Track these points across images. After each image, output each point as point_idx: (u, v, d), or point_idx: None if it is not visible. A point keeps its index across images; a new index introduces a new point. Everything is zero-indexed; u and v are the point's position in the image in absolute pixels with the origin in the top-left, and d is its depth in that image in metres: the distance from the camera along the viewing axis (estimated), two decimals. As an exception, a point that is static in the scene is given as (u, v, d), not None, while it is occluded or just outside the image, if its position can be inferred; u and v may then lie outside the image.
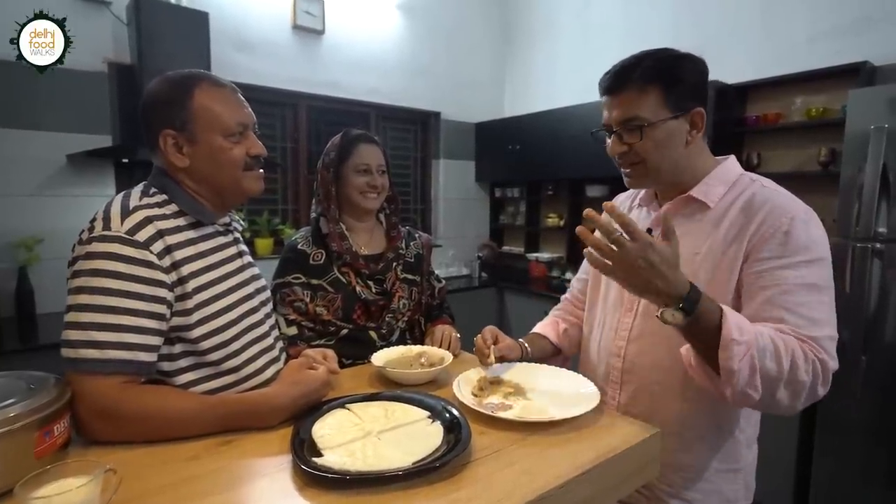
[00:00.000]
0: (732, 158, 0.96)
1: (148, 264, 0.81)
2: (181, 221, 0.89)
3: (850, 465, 1.97)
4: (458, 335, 1.30)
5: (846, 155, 1.98)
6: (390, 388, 0.99)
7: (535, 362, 1.08)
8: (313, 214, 1.38)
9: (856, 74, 2.27)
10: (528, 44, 4.02)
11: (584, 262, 1.17)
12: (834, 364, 0.78)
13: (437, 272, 1.52)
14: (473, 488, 0.65)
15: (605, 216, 0.72)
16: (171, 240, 0.85)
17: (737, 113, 2.72)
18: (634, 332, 0.97)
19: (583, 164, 3.15)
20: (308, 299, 1.26)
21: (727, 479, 0.94)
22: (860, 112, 1.93)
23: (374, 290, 1.31)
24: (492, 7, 4.09)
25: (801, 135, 2.56)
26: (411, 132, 3.93)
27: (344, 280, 1.29)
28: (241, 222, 1.08)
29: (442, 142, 3.93)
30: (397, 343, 1.27)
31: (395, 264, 1.36)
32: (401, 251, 1.38)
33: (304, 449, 0.71)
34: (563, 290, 1.30)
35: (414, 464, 0.67)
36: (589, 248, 0.72)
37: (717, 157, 0.97)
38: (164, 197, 0.90)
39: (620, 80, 0.89)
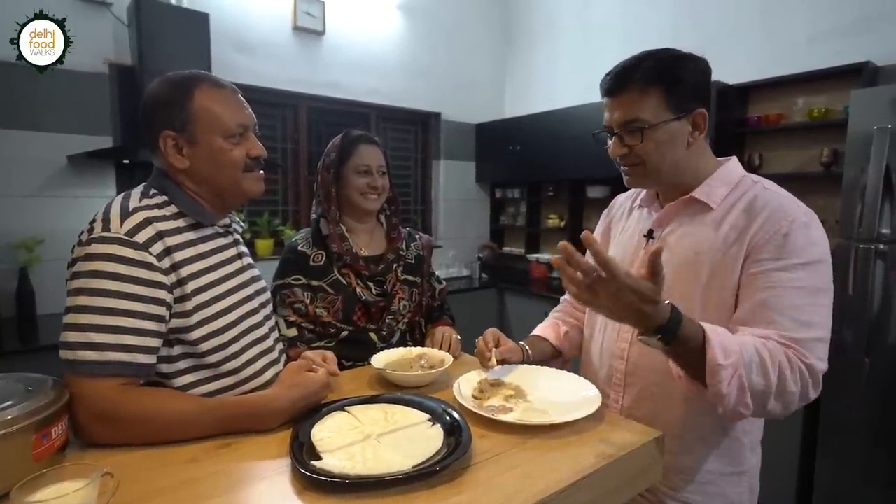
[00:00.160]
0: (734, 160, 0.96)
1: (147, 266, 0.81)
2: (181, 223, 0.89)
3: (853, 466, 1.96)
4: (459, 337, 1.29)
5: (849, 156, 1.97)
6: (390, 391, 0.99)
7: (536, 364, 1.08)
8: (313, 215, 1.37)
9: (858, 75, 2.26)
10: (529, 44, 4.01)
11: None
12: (822, 366, 0.78)
13: (437, 273, 1.52)
14: (474, 492, 0.65)
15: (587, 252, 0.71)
16: (171, 241, 0.85)
17: (738, 113, 2.71)
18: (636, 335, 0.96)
19: (583, 164, 3.15)
20: (308, 301, 1.26)
21: (731, 483, 0.94)
22: (863, 112, 1.93)
23: (374, 291, 1.31)
24: (492, 7, 4.08)
25: (802, 135, 2.55)
26: (412, 133, 3.93)
27: (344, 281, 1.28)
28: (242, 223, 1.07)
29: (442, 142, 3.93)
30: (397, 345, 1.27)
31: (395, 266, 1.35)
32: (401, 252, 1.38)
33: (303, 452, 0.71)
34: (564, 292, 1.29)
35: (414, 467, 0.67)
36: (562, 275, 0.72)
37: (718, 158, 0.96)
38: (164, 198, 0.89)
39: (621, 81, 0.88)
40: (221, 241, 0.96)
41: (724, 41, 2.82)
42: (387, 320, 1.29)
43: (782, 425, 2.02)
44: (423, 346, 1.29)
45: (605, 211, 1.17)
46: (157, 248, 0.82)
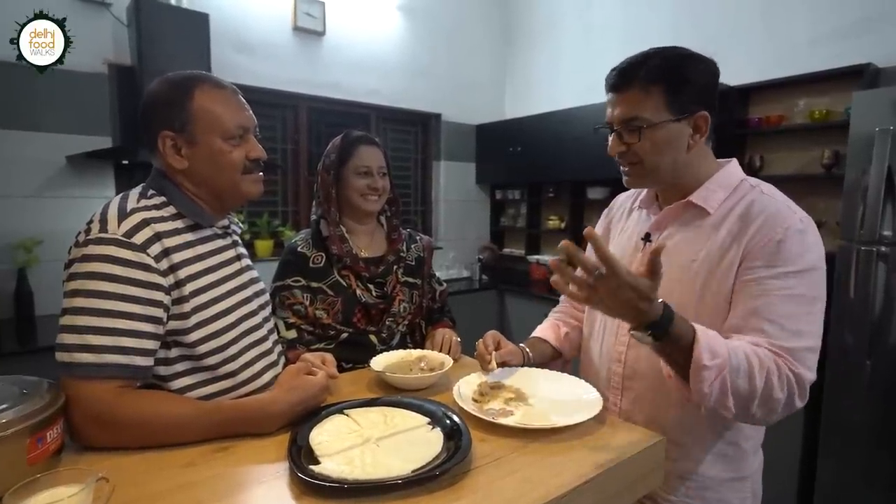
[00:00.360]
0: (734, 162, 0.95)
1: (145, 267, 0.80)
2: (179, 224, 0.88)
3: (855, 467, 1.96)
4: (459, 339, 1.29)
5: (850, 157, 1.96)
6: (390, 394, 0.98)
7: (536, 366, 1.07)
8: (313, 217, 1.37)
9: (859, 76, 2.26)
10: (529, 45, 4.01)
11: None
12: (811, 376, 0.78)
13: (437, 275, 1.51)
14: (474, 497, 0.64)
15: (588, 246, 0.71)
16: (169, 242, 0.84)
17: (739, 115, 2.71)
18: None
19: (584, 166, 3.15)
20: (308, 302, 1.25)
21: (733, 489, 0.93)
22: (864, 114, 1.92)
23: (374, 293, 1.30)
24: (492, 8, 4.08)
25: (804, 137, 2.54)
26: (412, 134, 3.92)
27: (344, 283, 1.27)
28: (240, 225, 1.07)
29: (443, 143, 3.92)
30: (397, 347, 1.26)
31: (395, 267, 1.34)
32: (402, 254, 1.37)
33: (301, 456, 0.70)
34: (564, 293, 1.28)
35: (413, 472, 0.66)
36: (556, 279, 0.72)
37: (719, 161, 0.95)
38: (163, 199, 0.88)
39: (625, 78, 0.87)
40: (220, 243, 0.95)
41: (724, 42, 2.81)
42: (387, 322, 1.29)
43: (784, 427, 2.00)
44: (423, 348, 1.28)
45: (606, 211, 1.16)
46: (155, 249, 0.82)
